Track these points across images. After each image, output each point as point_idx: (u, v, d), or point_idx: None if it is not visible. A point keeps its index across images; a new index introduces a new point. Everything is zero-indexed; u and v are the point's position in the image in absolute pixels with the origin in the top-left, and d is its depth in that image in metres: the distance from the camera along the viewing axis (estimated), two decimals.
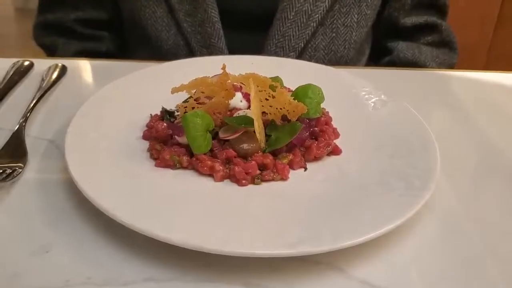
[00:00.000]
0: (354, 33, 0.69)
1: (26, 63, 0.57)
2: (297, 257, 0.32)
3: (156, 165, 0.39)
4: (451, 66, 0.79)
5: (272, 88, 0.40)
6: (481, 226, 0.37)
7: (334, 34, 0.68)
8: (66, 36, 0.74)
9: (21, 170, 0.39)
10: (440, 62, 0.77)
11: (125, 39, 0.77)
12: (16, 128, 0.44)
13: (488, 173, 0.45)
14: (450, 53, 0.80)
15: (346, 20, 0.68)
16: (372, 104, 0.49)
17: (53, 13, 0.75)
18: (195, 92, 0.40)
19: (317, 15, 0.66)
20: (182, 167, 0.39)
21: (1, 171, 0.38)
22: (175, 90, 0.39)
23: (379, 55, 0.79)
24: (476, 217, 0.38)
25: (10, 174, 0.38)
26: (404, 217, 0.33)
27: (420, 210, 0.35)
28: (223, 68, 0.39)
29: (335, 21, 0.67)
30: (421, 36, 0.78)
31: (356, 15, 0.69)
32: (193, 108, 0.40)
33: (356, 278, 0.32)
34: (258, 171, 0.38)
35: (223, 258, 0.31)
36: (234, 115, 0.42)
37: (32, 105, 0.47)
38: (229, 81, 0.40)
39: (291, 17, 0.65)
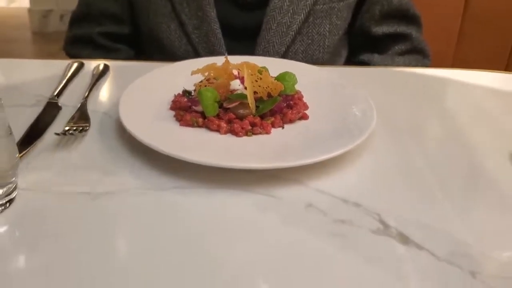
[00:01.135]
0: (327, 40, 0.87)
1: (76, 64, 0.75)
2: (272, 174, 0.50)
3: (181, 125, 0.57)
4: None
5: (260, 72, 0.58)
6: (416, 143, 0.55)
7: (310, 41, 0.86)
8: (91, 48, 0.92)
9: (87, 127, 0.57)
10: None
11: (141, 48, 0.96)
12: (80, 104, 0.62)
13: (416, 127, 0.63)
14: (423, 59, 0.95)
15: (319, 29, 0.86)
16: (335, 87, 0.67)
17: (81, 28, 0.94)
18: (207, 74, 0.59)
19: (295, 26, 0.84)
20: (198, 126, 0.57)
21: (75, 128, 0.56)
22: (194, 72, 0.58)
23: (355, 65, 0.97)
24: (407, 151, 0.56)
25: (81, 130, 0.56)
26: (347, 147, 0.51)
27: (363, 148, 0.53)
28: (226, 58, 0.58)
29: (310, 30, 0.86)
30: (393, 45, 0.93)
31: (328, 25, 0.87)
32: (205, 86, 0.59)
33: (313, 187, 0.50)
34: (250, 127, 0.56)
35: (227, 172, 0.49)
36: (234, 93, 0.60)
37: (88, 90, 0.66)
38: (230, 67, 0.58)
39: (274, 28, 0.84)
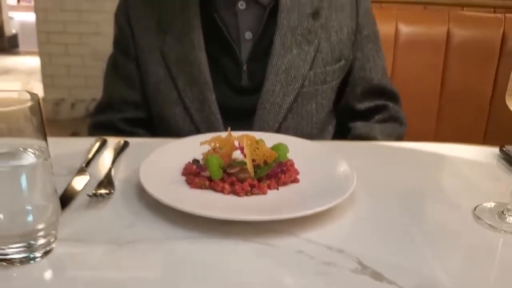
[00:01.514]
0: (314, 117, 1.00)
1: (100, 141, 0.87)
2: (268, 226, 0.60)
3: (191, 187, 0.68)
4: (400, 137, 1.08)
5: (257, 142, 0.70)
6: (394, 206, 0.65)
7: (299, 118, 0.99)
8: (112, 132, 1.04)
9: (113, 191, 0.68)
10: (389, 134, 1.06)
11: (154, 130, 1.09)
12: (105, 172, 0.73)
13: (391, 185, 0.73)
14: (400, 127, 1.08)
15: (307, 108, 0.99)
16: (322, 156, 0.79)
17: (104, 115, 1.08)
18: (213, 144, 0.70)
19: (286, 105, 0.97)
20: (206, 188, 0.68)
21: (103, 191, 0.67)
22: (203, 143, 0.69)
23: (343, 133, 1.10)
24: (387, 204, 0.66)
25: (108, 193, 0.67)
26: (331, 204, 0.62)
27: (345, 205, 0.63)
28: (229, 131, 0.69)
29: (299, 109, 0.99)
30: (374, 115, 1.07)
31: (314, 104, 1.00)
32: (212, 154, 0.70)
33: (302, 237, 0.59)
34: (249, 189, 0.67)
35: (230, 224, 0.59)
36: (236, 161, 0.71)
37: (112, 161, 0.77)
38: (232, 138, 0.70)
39: (268, 108, 0.96)
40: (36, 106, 0.51)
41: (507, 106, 0.62)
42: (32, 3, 3.82)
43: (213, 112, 0.97)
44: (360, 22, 1.04)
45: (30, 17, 6.79)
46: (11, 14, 6.49)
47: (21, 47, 5.95)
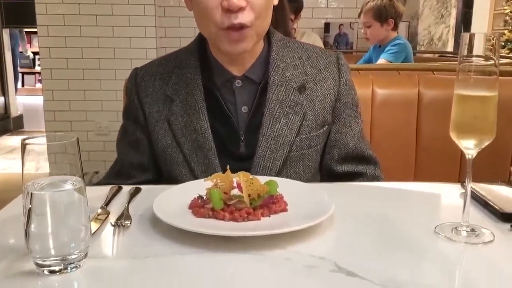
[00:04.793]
0: (302, 178, 1.11)
1: (116, 187, 1.00)
2: (262, 242, 0.73)
3: (197, 216, 0.81)
4: None
5: (252, 179, 0.84)
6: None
7: (288, 179, 1.11)
8: None
9: (130, 222, 0.80)
10: None
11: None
12: (123, 208, 0.86)
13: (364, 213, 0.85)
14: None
15: (295, 169, 1.11)
16: (306, 192, 0.92)
17: (115, 180, 1.20)
18: (214, 181, 0.84)
19: (276, 168, 1.08)
20: (209, 217, 0.80)
21: (124, 223, 0.80)
22: (206, 179, 0.83)
23: None
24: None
25: (127, 224, 0.80)
26: (313, 223, 0.74)
27: (325, 226, 0.76)
28: (228, 168, 0.84)
29: (288, 171, 1.10)
30: (352, 180, 1.17)
31: (301, 166, 1.12)
32: (214, 188, 0.84)
33: (289, 250, 0.72)
34: (246, 215, 0.80)
35: (230, 241, 0.72)
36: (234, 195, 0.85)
37: (127, 202, 0.90)
38: (230, 175, 0.84)
39: (260, 171, 1.08)
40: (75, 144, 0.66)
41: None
42: (36, 86, 4.06)
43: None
44: (340, 91, 1.17)
45: (33, 99, 7.17)
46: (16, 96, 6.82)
47: (26, 127, 6.19)
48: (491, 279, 0.64)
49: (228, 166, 0.86)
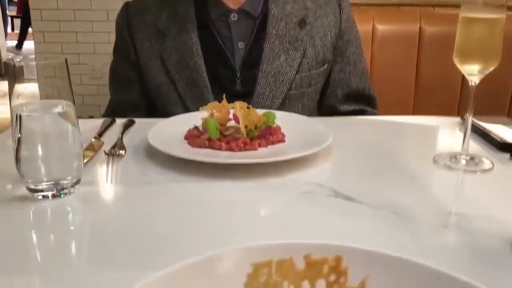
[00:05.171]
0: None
1: (110, 119, 0.98)
2: (259, 170, 0.71)
3: (193, 146, 0.79)
4: None
5: (248, 108, 0.81)
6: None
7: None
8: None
9: (125, 151, 0.79)
10: None
11: None
12: (117, 139, 0.84)
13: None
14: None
15: (294, 108, 1.09)
16: (305, 124, 0.90)
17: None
18: (210, 111, 0.82)
19: (275, 107, 1.05)
20: (205, 147, 0.79)
21: (119, 153, 0.78)
22: (202, 109, 0.81)
23: None
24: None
25: (123, 153, 0.78)
26: (310, 152, 0.73)
27: (323, 155, 0.74)
28: (224, 97, 0.81)
29: (287, 110, 1.05)
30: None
31: (300, 106, 1.11)
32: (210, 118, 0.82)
33: (286, 177, 0.71)
34: (243, 145, 0.78)
35: (227, 168, 0.70)
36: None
37: (121, 132, 0.88)
38: (226, 104, 0.82)
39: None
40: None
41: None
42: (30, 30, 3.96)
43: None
44: (342, 28, 1.14)
45: (25, 44, 7.00)
46: (7, 41, 6.66)
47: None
48: (490, 205, 0.64)
49: (224, 95, 0.83)
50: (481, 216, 0.59)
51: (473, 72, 0.71)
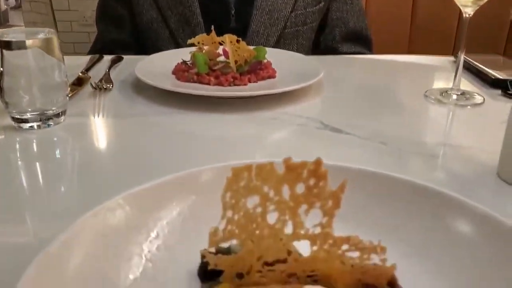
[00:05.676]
0: None
1: (97, 55, 0.96)
2: (248, 103, 0.71)
3: (181, 80, 0.78)
4: None
5: (238, 42, 0.80)
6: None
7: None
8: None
9: (112, 85, 0.78)
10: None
11: None
12: (104, 73, 0.83)
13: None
14: None
15: (289, 48, 1.07)
16: (296, 60, 0.89)
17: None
18: (198, 43, 0.80)
19: (269, 45, 1.03)
20: (193, 81, 0.77)
21: (106, 86, 0.77)
22: (190, 41, 0.79)
23: None
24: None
25: (110, 87, 0.77)
26: (300, 85, 0.72)
27: (313, 90, 0.73)
28: (212, 30, 0.79)
29: (281, 49, 1.03)
30: None
31: (295, 45, 1.09)
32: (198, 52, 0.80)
33: (276, 110, 0.70)
34: (232, 80, 0.77)
35: (217, 102, 0.69)
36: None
37: (108, 67, 0.87)
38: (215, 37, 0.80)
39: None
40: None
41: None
42: None
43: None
44: None
45: None
46: None
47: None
48: (478, 137, 0.64)
49: (212, 27, 0.81)
50: (469, 146, 0.59)
51: (467, 3, 0.69)
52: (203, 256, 0.32)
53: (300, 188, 0.29)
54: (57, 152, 0.59)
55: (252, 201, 0.30)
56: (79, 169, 0.55)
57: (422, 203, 0.37)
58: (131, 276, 0.31)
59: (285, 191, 0.29)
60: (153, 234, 0.33)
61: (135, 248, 0.33)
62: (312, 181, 0.29)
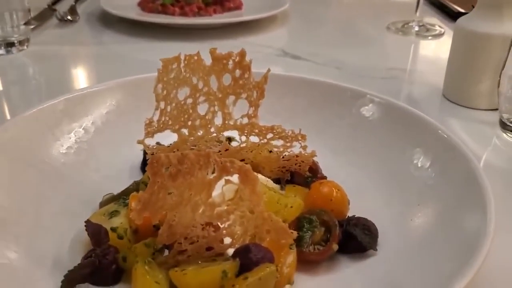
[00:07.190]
0: None
1: None
2: (212, 33, 0.72)
3: (146, 11, 0.78)
4: None
5: None
6: None
7: None
8: None
9: (78, 17, 0.78)
10: None
11: None
12: (69, 6, 0.82)
13: None
14: None
15: None
16: None
17: None
18: None
19: None
20: (158, 12, 0.78)
21: (72, 18, 0.77)
22: None
23: None
24: None
25: (77, 18, 0.77)
26: (267, 14, 0.73)
27: (280, 20, 0.74)
28: None
29: None
30: None
31: None
32: None
33: (241, 40, 0.71)
34: (197, 10, 0.77)
35: (180, 31, 0.70)
36: None
37: (75, 2, 0.86)
38: None
39: None
40: None
41: None
42: None
43: None
44: None
45: None
46: None
47: None
48: (431, 64, 0.65)
49: None
50: (421, 71, 0.62)
51: None
52: (144, 153, 0.34)
53: (227, 80, 0.31)
54: (24, 75, 0.60)
55: (183, 93, 0.32)
56: (45, 90, 0.56)
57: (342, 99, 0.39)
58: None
59: (213, 83, 0.31)
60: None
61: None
62: (237, 73, 0.31)
